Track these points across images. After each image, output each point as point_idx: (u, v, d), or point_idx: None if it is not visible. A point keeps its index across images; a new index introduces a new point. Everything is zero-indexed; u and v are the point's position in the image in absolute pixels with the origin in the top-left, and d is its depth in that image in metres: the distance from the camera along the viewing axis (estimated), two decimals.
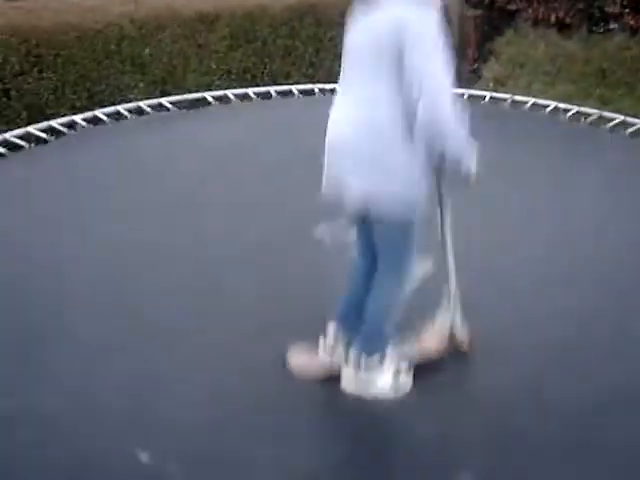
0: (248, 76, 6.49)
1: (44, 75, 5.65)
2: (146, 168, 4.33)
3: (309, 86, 5.39)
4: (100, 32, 5.99)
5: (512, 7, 8.37)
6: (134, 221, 3.63)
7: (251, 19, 6.45)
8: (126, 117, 5.32)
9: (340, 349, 2.60)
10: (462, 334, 2.64)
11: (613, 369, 2.58)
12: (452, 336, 2.63)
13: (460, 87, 7.56)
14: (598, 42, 7.72)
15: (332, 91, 5.62)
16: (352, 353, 2.55)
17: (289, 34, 6.62)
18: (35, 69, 5.60)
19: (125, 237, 3.44)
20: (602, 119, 5.33)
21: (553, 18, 8.01)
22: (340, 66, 2.45)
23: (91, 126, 5.21)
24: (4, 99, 5.50)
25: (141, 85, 6.16)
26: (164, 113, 5.36)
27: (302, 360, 2.65)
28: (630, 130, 5.09)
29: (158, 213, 3.73)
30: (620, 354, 2.68)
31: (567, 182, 4.17)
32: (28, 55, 5.55)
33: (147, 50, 6.17)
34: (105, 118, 5.23)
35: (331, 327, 2.62)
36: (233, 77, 6.39)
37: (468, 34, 8.46)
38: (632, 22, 7.53)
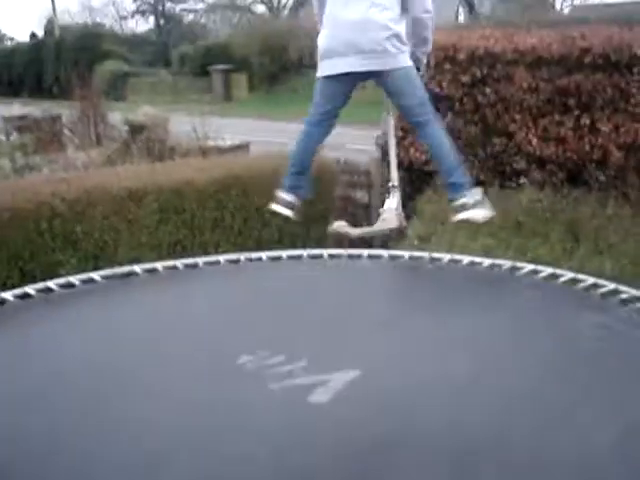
0: (179, 248, 6.71)
1: None
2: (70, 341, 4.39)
3: (235, 256, 5.60)
4: (31, 211, 6.18)
5: (429, 168, 8.90)
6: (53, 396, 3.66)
7: (179, 193, 6.74)
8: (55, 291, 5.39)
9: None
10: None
11: None
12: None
13: (383, 247, 7.93)
14: (511, 196, 8.21)
15: (259, 259, 5.85)
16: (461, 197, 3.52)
17: (216, 206, 6.91)
18: None
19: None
20: (515, 269, 5.62)
21: None
22: None
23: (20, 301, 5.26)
24: None
25: (73, 261, 6.31)
26: (93, 286, 5.48)
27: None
28: (541, 275, 5.38)
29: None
30: None
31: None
32: None
33: (79, 227, 6.37)
34: (34, 293, 5.30)
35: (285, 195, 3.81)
36: (164, 249, 6.59)
37: None
38: (539, 177, 8.09)
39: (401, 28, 3.62)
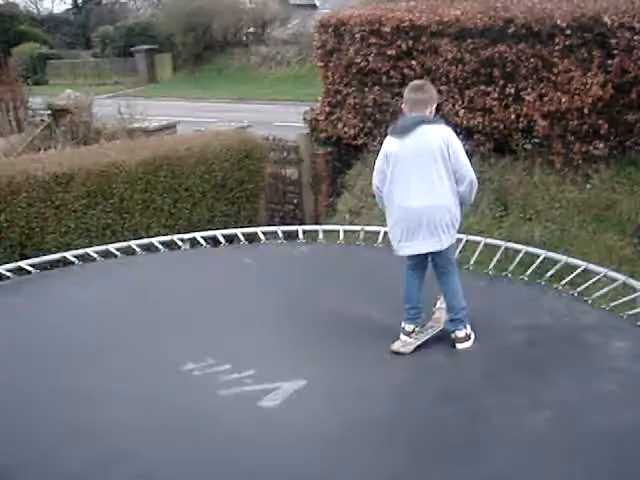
0: (109, 232, 6.56)
1: None
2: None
3: (169, 238, 5.50)
4: None
5: (357, 142, 8.92)
6: None
7: (106, 176, 6.58)
8: None
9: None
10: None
11: None
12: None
13: (317, 222, 7.91)
14: None
15: (192, 240, 5.76)
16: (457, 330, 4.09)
17: (145, 188, 6.77)
18: None
19: None
20: None
21: None
22: None
23: None
24: None
25: None
26: (24, 277, 5.32)
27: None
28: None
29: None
30: None
31: None
32: None
33: (2, 216, 6.16)
34: None
35: (407, 325, 4.09)
36: (93, 235, 6.44)
37: (320, 171, 8.94)
38: (466, 147, 8.12)
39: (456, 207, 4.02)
